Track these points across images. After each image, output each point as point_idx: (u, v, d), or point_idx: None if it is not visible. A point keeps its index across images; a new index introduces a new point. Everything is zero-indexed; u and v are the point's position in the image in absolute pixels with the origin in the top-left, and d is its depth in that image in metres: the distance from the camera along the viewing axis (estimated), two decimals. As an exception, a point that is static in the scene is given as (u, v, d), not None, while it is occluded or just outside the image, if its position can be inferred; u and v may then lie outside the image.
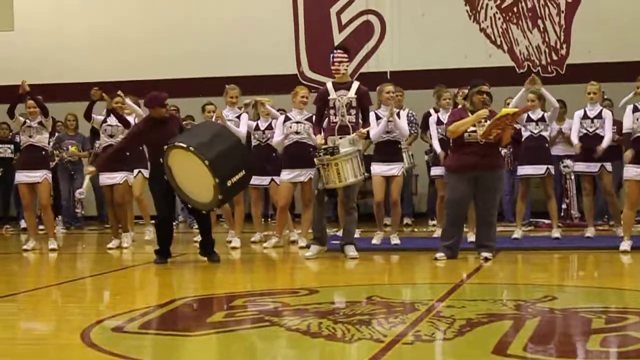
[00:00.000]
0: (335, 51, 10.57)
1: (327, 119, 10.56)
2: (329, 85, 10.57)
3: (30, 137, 12.04)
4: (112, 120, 12.24)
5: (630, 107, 10.68)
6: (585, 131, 11.73)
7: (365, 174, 10.50)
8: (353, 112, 10.40)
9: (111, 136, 12.29)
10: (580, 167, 11.92)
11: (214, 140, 9.90)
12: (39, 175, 12.04)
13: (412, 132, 13.76)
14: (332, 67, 10.53)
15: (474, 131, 9.84)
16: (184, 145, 9.75)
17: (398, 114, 11.47)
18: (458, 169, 9.99)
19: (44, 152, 12.21)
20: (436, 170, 12.42)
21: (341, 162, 10.03)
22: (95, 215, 16.85)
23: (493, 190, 10.04)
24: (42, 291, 8.92)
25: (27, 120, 12.07)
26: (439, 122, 12.08)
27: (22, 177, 12.14)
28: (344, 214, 10.72)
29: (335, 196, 10.81)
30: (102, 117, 12.39)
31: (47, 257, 11.82)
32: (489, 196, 10.00)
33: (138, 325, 6.72)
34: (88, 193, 15.89)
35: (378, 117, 11.38)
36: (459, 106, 10.80)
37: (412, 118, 13.87)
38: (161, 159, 10.03)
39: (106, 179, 12.35)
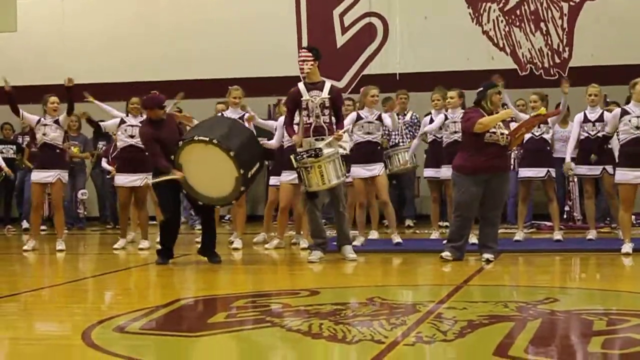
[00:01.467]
0: (300, 50, 10.56)
1: (300, 120, 10.44)
2: (301, 86, 10.42)
3: (44, 135, 11.98)
4: (130, 120, 12.17)
5: (617, 111, 10.72)
6: (586, 134, 11.72)
7: (347, 175, 10.51)
8: (327, 112, 10.29)
9: (132, 136, 12.06)
10: (582, 169, 11.89)
11: (232, 132, 9.97)
12: (52, 175, 11.99)
13: (416, 134, 13.76)
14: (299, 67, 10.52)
15: (494, 132, 9.85)
16: (206, 139, 9.79)
17: (379, 116, 11.51)
18: (471, 170, 9.95)
19: (58, 151, 12.15)
20: (429, 172, 12.38)
21: (324, 164, 9.98)
22: (98, 216, 16.85)
23: (501, 192, 10.08)
24: (44, 291, 8.94)
25: (42, 119, 12.02)
26: (431, 123, 12.11)
27: (37, 176, 12.10)
28: (335, 215, 10.65)
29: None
30: (114, 122, 12.30)
31: (50, 258, 11.83)
32: (497, 198, 10.02)
33: (140, 326, 6.73)
34: (90, 194, 16.01)
35: (360, 118, 11.41)
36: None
37: (415, 120, 13.89)
38: (170, 157, 10.04)
39: (125, 180, 12.15)
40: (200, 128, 10.32)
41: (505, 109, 10.45)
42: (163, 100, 10.59)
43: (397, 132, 12.98)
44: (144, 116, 11.97)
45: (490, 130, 9.83)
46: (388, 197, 11.70)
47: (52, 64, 17.48)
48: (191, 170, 10.00)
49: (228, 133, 9.95)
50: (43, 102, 12.09)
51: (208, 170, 9.89)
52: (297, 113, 10.47)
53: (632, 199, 10.58)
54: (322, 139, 10.13)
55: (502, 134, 9.84)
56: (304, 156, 9.97)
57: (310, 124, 10.26)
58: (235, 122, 10.66)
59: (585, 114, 11.72)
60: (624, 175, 10.50)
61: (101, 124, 12.39)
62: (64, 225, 12.88)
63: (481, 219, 10.25)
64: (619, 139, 10.84)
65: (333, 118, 10.38)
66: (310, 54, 10.37)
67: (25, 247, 12.21)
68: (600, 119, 11.61)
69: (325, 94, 10.33)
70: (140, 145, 11.70)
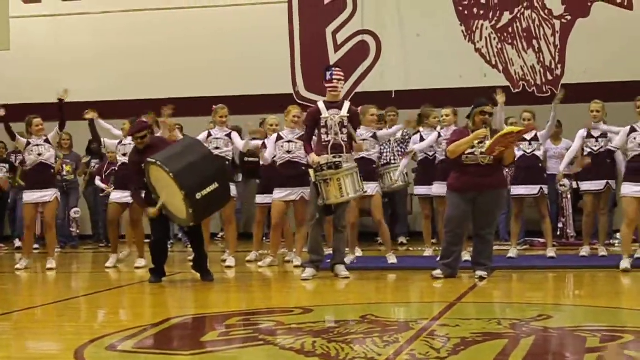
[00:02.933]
0: (334, 69, 10.58)
1: (318, 138, 10.52)
2: (321, 105, 10.54)
3: (40, 155, 12.00)
4: (127, 140, 12.20)
5: (627, 128, 10.74)
6: (589, 150, 11.72)
7: (365, 190, 10.51)
8: (345, 130, 10.38)
9: (125, 155, 12.19)
10: (586, 185, 11.88)
11: (184, 152, 9.93)
12: (50, 194, 12.03)
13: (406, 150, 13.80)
14: (329, 85, 10.52)
15: (472, 153, 9.85)
16: (153, 160, 9.80)
17: (375, 135, 11.58)
18: (459, 188, 10.00)
19: (52, 170, 12.25)
20: (420, 190, 12.38)
21: (343, 176, 10.05)
22: (91, 234, 16.81)
23: (492, 209, 10.05)
24: (37, 310, 8.91)
25: (31, 141, 12.05)
26: (422, 141, 12.12)
27: (31, 196, 12.07)
28: (334, 232, 10.68)
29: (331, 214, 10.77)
30: (115, 142, 12.42)
31: (42, 276, 11.80)
32: (488, 215, 10.01)
33: (132, 344, 6.71)
34: (83, 212, 16.00)
35: None
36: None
37: (406, 137, 13.89)
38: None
39: (119, 197, 12.24)
40: (164, 150, 10.27)
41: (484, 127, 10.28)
42: (141, 127, 10.59)
43: (388, 151, 12.97)
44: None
45: (467, 152, 9.85)
46: (382, 217, 11.71)
47: (44, 82, 17.48)
48: (161, 192, 10.01)
49: (178, 153, 9.91)
50: (27, 123, 12.13)
51: (169, 192, 9.87)
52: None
53: (635, 214, 10.56)
54: (340, 157, 10.18)
55: (482, 154, 9.83)
56: (324, 168, 10.02)
57: (329, 141, 10.33)
58: (192, 143, 10.53)
59: (588, 129, 11.73)
60: (627, 188, 10.55)
61: (104, 140, 12.43)
62: (56, 244, 12.89)
63: (474, 236, 10.26)
64: (627, 155, 10.87)
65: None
66: (343, 74, 10.60)
67: (17, 266, 12.20)
68: (604, 134, 11.62)
69: (344, 112, 10.42)
70: None
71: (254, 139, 12.10)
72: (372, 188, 11.39)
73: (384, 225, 11.73)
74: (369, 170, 11.42)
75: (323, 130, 10.41)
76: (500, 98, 11.43)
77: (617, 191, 11.65)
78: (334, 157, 10.20)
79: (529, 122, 11.68)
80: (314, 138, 10.62)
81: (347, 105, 10.55)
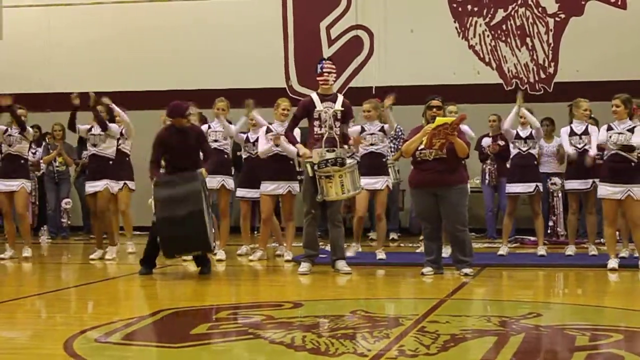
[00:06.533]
0: (324, 61, 10.55)
1: (310, 130, 10.48)
2: (315, 97, 10.51)
3: (10, 146, 12.09)
4: (96, 129, 12.15)
5: (604, 127, 10.71)
6: (574, 148, 11.67)
7: (362, 187, 10.51)
8: (338, 124, 10.36)
9: (94, 145, 12.16)
10: (572, 184, 11.84)
11: (184, 200, 9.91)
12: (16, 184, 12.09)
13: (400, 147, 13.78)
14: (320, 78, 10.49)
15: (423, 149, 9.86)
16: (157, 194, 9.94)
17: (382, 128, 11.60)
18: (417, 184, 10.09)
19: (22, 161, 12.25)
20: None
21: (345, 173, 10.04)
22: (82, 225, 16.77)
23: (455, 205, 9.95)
24: (25, 301, 8.89)
25: (9, 129, 12.07)
26: None
27: (0, 185, 12.16)
28: (331, 228, 10.63)
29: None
30: (87, 126, 12.31)
31: (30, 267, 11.77)
32: (451, 212, 9.95)
33: (122, 337, 6.71)
34: (74, 203, 15.96)
35: (363, 130, 11.44)
36: None
37: (399, 133, 13.91)
38: (176, 170, 10.19)
39: (89, 187, 12.22)
40: (171, 184, 10.17)
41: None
42: (186, 108, 10.52)
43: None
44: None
45: (419, 148, 9.87)
46: (384, 212, 11.77)
47: (37, 72, 17.46)
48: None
49: (178, 199, 9.91)
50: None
51: None
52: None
53: (614, 214, 10.57)
54: (333, 151, 10.15)
55: (423, 149, 9.86)
56: (328, 164, 9.98)
57: (322, 134, 10.28)
58: (195, 191, 10.14)
59: (571, 127, 11.70)
60: (603, 190, 10.52)
61: (78, 127, 12.29)
62: (30, 233, 12.91)
63: (447, 234, 10.28)
64: (604, 154, 10.83)
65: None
66: (334, 67, 10.55)
67: (2, 256, 12.24)
68: (586, 132, 11.57)
69: (338, 106, 10.40)
70: (103, 154, 11.87)
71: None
72: (381, 182, 11.42)
73: (384, 221, 11.78)
74: (379, 164, 11.54)
75: (316, 123, 10.37)
76: (520, 100, 11.75)
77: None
78: (327, 151, 10.16)
79: (523, 120, 11.73)
80: (299, 131, 10.64)
81: (340, 98, 10.53)
